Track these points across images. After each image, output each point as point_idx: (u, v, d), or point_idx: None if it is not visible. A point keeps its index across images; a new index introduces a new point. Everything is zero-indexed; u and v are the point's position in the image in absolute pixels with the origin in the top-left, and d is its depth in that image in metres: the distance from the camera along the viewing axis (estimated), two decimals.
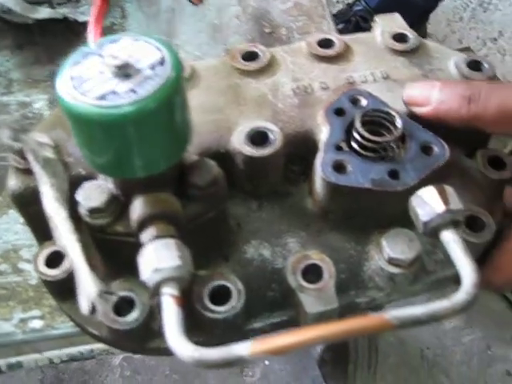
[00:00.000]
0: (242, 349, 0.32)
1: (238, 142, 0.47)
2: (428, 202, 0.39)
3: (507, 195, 0.58)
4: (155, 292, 0.37)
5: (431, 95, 0.49)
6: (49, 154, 0.44)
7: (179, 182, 0.42)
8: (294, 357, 1.37)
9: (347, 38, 0.57)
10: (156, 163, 0.38)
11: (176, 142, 0.38)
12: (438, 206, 0.39)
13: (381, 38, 0.57)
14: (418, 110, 0.50)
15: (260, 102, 0.51)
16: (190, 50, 0.71)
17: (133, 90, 0.34)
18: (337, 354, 1.12)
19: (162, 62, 0.36)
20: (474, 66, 0.55)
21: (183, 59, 0.54)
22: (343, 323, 0.32)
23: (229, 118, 0.50)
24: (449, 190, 0.40)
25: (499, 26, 1.87)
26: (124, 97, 0.34)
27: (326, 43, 0.56)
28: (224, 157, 0.48)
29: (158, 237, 0.38)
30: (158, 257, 0.37)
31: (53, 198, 0.42)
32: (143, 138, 0.35)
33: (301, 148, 0.50)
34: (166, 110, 0.35)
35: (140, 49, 0.36)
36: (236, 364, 0.32)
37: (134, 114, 0.33)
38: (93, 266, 0.48)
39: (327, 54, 0.55)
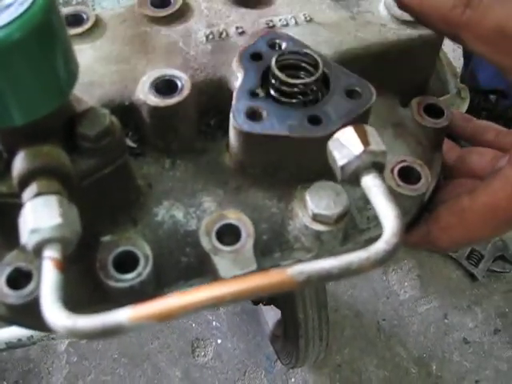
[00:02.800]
0: (121, 315, 0.27)
1: (143, 92, 0.42)
2: (345, 144, 0.35)
3: (446, 149, 0.55)
4: (37, 256, 0.33)
5: None
6: None
7: (69, 133, 0.37)
8: (248, 334, 1.33)
9: None
10: (34, 107, 0.33)
11: (55, 81, 0.33)
12: (357, 148, 0.34)
13: None
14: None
15: (170, 50, 0.47)
16: (106, 4, 0.65)
17: None
18: (287, 329, 1.09)
19: None
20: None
21: (86, 8, 0.49)
22: (238, 282, 0.27)
23: (135, 68, 0.45)
24: (369, 129, 0.35)
25: None
26: None
27: None
28: (130, 110, 0.44)
29: (39, 194, 0.33)
30: (37, 216, 0.32)
31: None
32: (9, 76, 0.30)
33: (215, 98, 0.45)
34: (30, 41, 0.30)
35: None
36: (116, 333, 0.27)
37: None
38: None
39: None
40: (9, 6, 0.29)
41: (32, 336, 1.03)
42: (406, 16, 0.49)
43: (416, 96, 0.51)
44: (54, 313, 0.29)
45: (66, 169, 0.35)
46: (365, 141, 0.35)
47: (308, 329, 0.98)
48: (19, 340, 1.03)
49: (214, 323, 1.34)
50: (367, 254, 0.30)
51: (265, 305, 1.20)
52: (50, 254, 0.31)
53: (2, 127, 0.35)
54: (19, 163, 0.35)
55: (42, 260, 0.32)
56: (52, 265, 0.31)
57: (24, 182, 0.35)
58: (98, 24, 0.49)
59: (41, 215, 0.32)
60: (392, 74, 0.50)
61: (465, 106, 1.63)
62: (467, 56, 1.47)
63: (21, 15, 0.29)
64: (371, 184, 0.34)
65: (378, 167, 0.35)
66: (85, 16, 0.49)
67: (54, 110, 0.34)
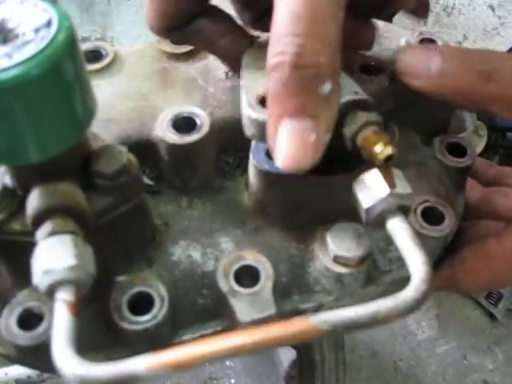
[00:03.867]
0: (137, 364, 0.26)
1: (161, 130, 0.42)
2: (371, 186, 0.34)
3: (468, 188, 0.53)
4: (49, 298, 0.31)
5: (430, 64, 0.40)
6: None
7: (85, 171, 0.36)
8: (261, 374, 1.30)
9: None
10: (50, 145, 0.32)
11: (72, 118, 0.32)
12: (382, 190, 0.33)
13: None
14: (414, 82, 0.41)
15: (189, 87, 0.46)
16: (125, 42, 0.65)
17: (8, 55, 0.28)
18: (303, 370, 1.06)
19: (48, 24, 0.30)
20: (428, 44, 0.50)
21: (104, 43, 0.49)
22: (259, 331, 0.26)
23: (153, 105, 0.45)
24: (395, 172, 0.34)
25: (463, 30, 1.85)
26: None
27: None
28: (147, 147, 0.43)
29: (53, 233, 0.32)
30: (50, 256, 0.31)
31: None
32: (27, 112, 0.30)
33: (234, 135, 0.44)
34: (49, 77, 0.29)
35: (24, 12, 0.31)
36: (130, 383, 0.26)
37: (6, 83, 0.28)
38: None
39: None
40: (29, 41, 0.29)
41: (42, 373, 1.02)
42: None
43: (438, 134, 0.50)
44: (66, 359, 0.28)
45: (82, 207, 0.34)
46: (391, 183, 0.34)
47: (324, 370, 0.96)
48: (29, 377, 1.02)
49: (227, 362, 1.31)
50: (395, 302, 0.29)
51: None
52: (63, 297, 0.30)
53: (17, 164, 0.34)
54: (34, 201, 0.34)
55: (55, 302, 0.31)
56: (65, 308, 0.30)
57: (38, 221, 0.34)
58: (116, 60, 0.49)
59: (54, 255, 0.31)
60: (412, 113, 0.49)
61: (482, 144, 1.62)
62: None
63: (41, 51, 0.29)
64: (397, 228, 0.33)
65: (404, 210, 0.34)
66: (103, 52, 0.49)
67: (70, 147, 0.33)
